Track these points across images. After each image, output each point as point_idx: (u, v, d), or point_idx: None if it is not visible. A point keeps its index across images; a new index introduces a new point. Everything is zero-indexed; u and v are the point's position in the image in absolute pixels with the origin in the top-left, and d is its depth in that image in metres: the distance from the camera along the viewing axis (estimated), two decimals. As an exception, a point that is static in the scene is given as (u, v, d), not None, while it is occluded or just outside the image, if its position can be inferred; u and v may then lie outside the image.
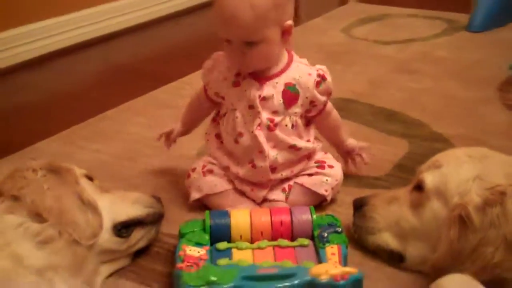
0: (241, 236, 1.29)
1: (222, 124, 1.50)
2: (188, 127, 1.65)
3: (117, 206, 1.28)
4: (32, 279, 1.02)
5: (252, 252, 1.24)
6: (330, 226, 1.31)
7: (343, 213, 1.46)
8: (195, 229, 1.29)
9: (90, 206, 1.20)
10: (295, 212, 1.34)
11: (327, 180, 1.51)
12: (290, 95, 1.45)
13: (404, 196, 1.32)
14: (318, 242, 1.27)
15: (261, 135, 1.43)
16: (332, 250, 1.23)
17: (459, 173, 1.21)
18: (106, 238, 1.23)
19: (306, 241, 1.28)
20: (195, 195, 1.51)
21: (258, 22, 1.34)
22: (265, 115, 1.43)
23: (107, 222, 1.23)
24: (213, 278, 1.11)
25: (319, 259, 1.22)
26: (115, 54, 2.86)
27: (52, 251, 1.09)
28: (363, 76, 2.43)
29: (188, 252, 1.21)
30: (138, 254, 1.33)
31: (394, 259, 1.30)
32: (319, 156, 1.55)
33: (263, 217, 1.32)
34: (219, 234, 1.29)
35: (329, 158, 1.56)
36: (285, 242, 1.28)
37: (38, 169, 1.21)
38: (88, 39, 2.93)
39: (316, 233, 1.30)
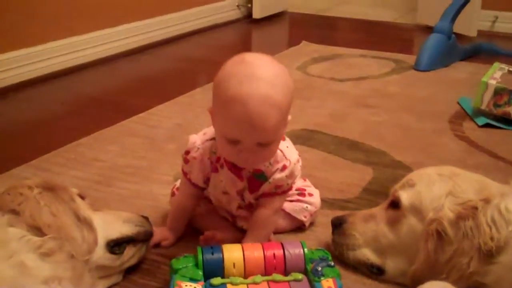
0: (234, 272, 1.25)
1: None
2: (180, 229, 1.52)
3: (110, 224, 1.31)
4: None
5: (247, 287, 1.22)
6: (322, 260, 1.30)
7: (320, 232, 1.54)
8: (188, 265, 1.26)
9: (86, 223, 1.22)
10: (287, 246, 1.31)
11: (307, 207, 1.54)
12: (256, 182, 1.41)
13: (380, 214, 1.39)
14: (312, 276, 1.25)
15: (243, 213, 1.48)
16: (328, 284, 1.22)
17: (432, 190, 1.29)
18: (100, 254, 1.25)
19: (300, 276, 1.25)
20: None
21: (279, 123, 1.27)
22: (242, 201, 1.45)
23: (101, 239, 1.26)
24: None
25: (315, 293, 1.21)
26: (83, 85, 2.88)
27: (54, 263, 1.11)
28: (323, 110, 2.53)
29: (184, 287, 1.20)
30: (129, 271, 1.36)
31: (374, 272, 1.37)
32: (299, 183, 1.58)
33: (256, 252, 1.28)
34: (212, 269, 1.25)
35: (309, 186, 1.61)
36: (279, 276, 1.25)
37: (34, 186, 1.22)
38: (56, 70, 2.94)
39: (309, 267, 1.28)
